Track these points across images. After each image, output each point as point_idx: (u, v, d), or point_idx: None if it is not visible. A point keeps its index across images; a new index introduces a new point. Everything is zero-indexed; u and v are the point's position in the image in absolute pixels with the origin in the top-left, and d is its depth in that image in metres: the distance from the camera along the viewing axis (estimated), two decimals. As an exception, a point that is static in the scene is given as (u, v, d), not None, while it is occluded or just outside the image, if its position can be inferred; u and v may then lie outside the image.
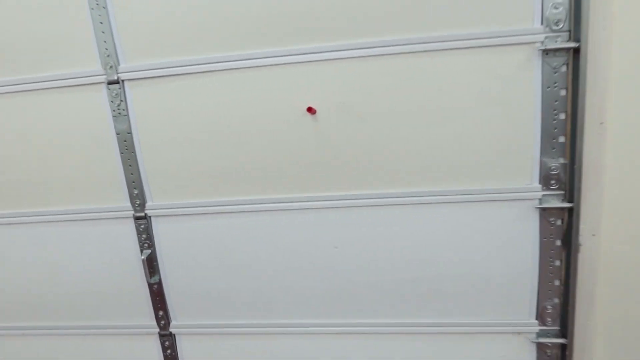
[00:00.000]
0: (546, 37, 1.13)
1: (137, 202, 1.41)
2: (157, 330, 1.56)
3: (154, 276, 1.49)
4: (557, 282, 1.31)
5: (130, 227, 1.45)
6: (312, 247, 1.40)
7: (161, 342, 1.58)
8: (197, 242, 1.44)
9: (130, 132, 1.34)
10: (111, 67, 1.29)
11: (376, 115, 1.25)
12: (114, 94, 1.31)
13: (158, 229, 1.44)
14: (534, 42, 1.14)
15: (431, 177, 1.28)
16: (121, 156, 1.37)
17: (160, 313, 1.53)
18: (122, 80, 1.30)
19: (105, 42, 1.27)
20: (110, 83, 1.30)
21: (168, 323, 1.55)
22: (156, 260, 1.48)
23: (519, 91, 1.18)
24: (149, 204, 1.42)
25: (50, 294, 1.58)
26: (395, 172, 1.29)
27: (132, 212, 1.42)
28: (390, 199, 1.31)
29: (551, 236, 1.28)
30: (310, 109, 1.23)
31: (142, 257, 1.43)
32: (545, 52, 1.14)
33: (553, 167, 1.22)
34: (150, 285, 1.50)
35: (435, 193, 1.29)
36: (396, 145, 1.26)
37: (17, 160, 1.42)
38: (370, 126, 1.26)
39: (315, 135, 1.28)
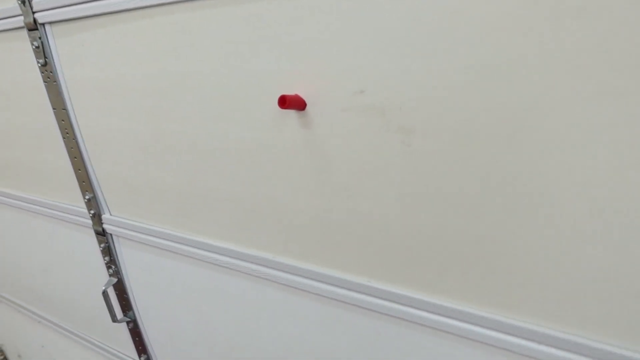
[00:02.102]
0: None
1: (92, 212, 0.94)
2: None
3: (127, 313, 1.05)
4: None
5: (93, 241, 1.00)
6: None
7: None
8: (175, 296, 0.93)
9: (65, 109, 0.85)
10: (23, 0, 0.78)
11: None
12: (35, 47, 0.81)
13: (123, 253, 0.97)
14: None
15: None
16: (64, 142, 0.90)
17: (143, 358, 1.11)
18: (42, 24, 0.79)
19: (9, -43, 0.76)
20: (29, 29, 0.81)
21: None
22: (126, 293, 1.02)
23: None
24: (105, 216, 0.94)
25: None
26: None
27: (90, 222, 0.97)
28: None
29: None
30: (284, 100, 0.53)
31: (103, 288, 0.98)
32: None
33: None
34: (127, 324, 1.07)
35: None
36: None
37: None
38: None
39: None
